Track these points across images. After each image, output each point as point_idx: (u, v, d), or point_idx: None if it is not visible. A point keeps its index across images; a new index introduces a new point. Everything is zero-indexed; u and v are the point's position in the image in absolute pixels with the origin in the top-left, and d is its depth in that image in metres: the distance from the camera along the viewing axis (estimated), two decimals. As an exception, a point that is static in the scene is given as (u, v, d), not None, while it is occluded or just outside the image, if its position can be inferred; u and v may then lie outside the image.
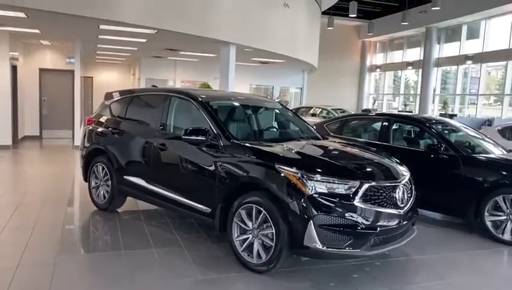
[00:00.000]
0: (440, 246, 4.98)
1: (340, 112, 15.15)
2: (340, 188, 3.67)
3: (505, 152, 6.01)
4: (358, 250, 3.66)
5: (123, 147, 5.36)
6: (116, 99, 5.91)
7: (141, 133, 5.20)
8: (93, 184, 5.79)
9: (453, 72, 22.86)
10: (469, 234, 5.41)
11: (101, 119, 5.90)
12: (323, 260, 4.18)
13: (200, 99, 4.76)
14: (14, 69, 11.58)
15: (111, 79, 19.87)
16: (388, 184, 3.92)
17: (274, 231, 3.72)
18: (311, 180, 3.64)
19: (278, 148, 4.20)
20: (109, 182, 5.50)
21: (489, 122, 13.01)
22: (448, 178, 5.56)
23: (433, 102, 22.64)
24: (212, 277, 3.86)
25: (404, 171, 4.25)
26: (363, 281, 3.93)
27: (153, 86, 6.54)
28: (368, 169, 4.08)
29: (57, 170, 8.90)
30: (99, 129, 5.79)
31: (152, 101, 5.49)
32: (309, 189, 3.62)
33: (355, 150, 4.60)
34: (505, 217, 5.10)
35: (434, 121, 6.31)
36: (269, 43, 11.58)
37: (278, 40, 11.89)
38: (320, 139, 5.05)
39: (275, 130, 5.31)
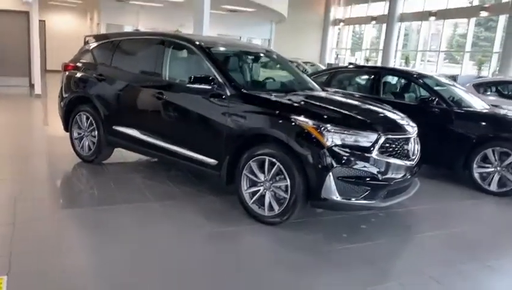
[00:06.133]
0: (434, 197, 5.12)
1: (310, 66, 15.04)
2: (359, 140, 3.61)
3: (488, 106, 6.18)
4: (374, 201, 3.67)
5: (112, 95, 4.98)
6: (98, 43, 5.43)
7: (133, 80, 4.83)
8: (75, 135, 5.41)
9: (415, 28, 23.18)
10: (457, 185, 5.60)
11: (81, 65, 5.44)
12: (331, 212, 4.19)
13: (200, 44, 4.45)
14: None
15: (66, 24, 18.48)
16: (402, 136, 3.92)
17: (289, 183, 3.63)
18: (331, 132, 3.55)
19: (292, 99, 4.04)
20: (95, 133, 5.16)
21: (453, 78, 13.33)
22: (440, 131, 5.66)
23: (395, 58, 22.99)
24: (223, 229, 3.76)
25: (414, 125, 4.25)
26: (373, 231, 3.99)
27: (136, 29, 6.09)
28: (383, 121, 4.04)
29: (24, 121, 8.29)
30: (81, 76, 5.34)
31: (144, 46, 5.09)
32: (328, 141, 3.53)
33: (366, 103, 4.53)
34: (492, 169, 5.30)
35: (424, 75, 6.35)
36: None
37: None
38: (321, 91, 4.93)
39: (278, 79, 5.10)
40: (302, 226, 3.92)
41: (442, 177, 5.90)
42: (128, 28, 17.33)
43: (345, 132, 3.59)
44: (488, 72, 18.11)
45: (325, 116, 3.69)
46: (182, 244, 3.46)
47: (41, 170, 5.09)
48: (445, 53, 22.02)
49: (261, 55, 5.28)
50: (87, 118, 5.22)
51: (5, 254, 3.03)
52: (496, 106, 6.40)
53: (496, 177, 5.29)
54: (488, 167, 5.34)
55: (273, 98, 4.02)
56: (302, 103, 4.05)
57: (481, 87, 9.07)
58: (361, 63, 25.59)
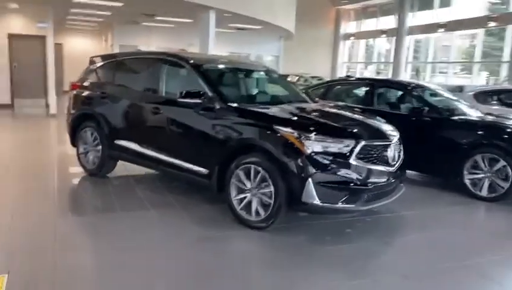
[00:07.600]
0: (424, 203, 5.26)
1: (318, 80, 15.28)
2: (337, 147, 3.81)
3: (481, 114, 6.29)
4: (353, 205, 3.85)
5: (113, 111, 5.31)
6: (102, 63, 5.80)
7: (132, 97, 5.16)
8: (81, 150, 5.75)
9: (425, 40, 23.25)
10: (449, 192, 5.70)
11: (86, 84, 5.81)
12: (318, 216, 4.37)
13: (193, 62, 4.75)
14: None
15: (82, 46, 19.26)
16: (380, 143, 4.10)
17: (273, 190, 3.85)
18: (309, 140, 3.77)
19: (276, 111, 4.28)
20: (99, 147, 5.48)
21: (459, 89, 13.37)
22: (431, 140, 5.80)
23: (406, 70, 23.07)
24: (213, 234, 3.98)
25: (395, 132, 4.43)
26: (356, 235, 4.16)
27: (138, 50, 6.45)
28: (362, 129, 4.22)
29: (36, 138, 8.72)
30: (86, 94, 5.70)
31: (142, 64, 5.42)
32: (307, 148, 3.75)
33: (348, 112, 4.74)
34: (482, 175, 5.40)
35: (416, 86, 6.51)
36: (249, 8, 11.46)
37: (257, 5, 11.78)
38: (312, 103, 5.16)
39: (268, 93, 5.37)
40: (288, 230, 4.12)
41: (435, 185, 6.02)
42: (142, 49, 17.96)
43: (324, 140, 3.79)
44: (500, 81, 18.01)
45: (304, 125, 3.92)
46: (175, 247, 3.69)
47: (49, 183, 5.40)
48: (461, 64, 21.99)
49: (253, 70, 5.55)
50: (92, 133, 5.55)
51: (6, 253, 3.32)
52: (489, 114, 6.50)
53: (486, 183, 5.39)
54: (478, 173, 5.44)
55: (259, 110, 4.27)
56: (286, 113, 4.28)
57: (481, 96, 9.13)
58: (373, 76, 25.72)
